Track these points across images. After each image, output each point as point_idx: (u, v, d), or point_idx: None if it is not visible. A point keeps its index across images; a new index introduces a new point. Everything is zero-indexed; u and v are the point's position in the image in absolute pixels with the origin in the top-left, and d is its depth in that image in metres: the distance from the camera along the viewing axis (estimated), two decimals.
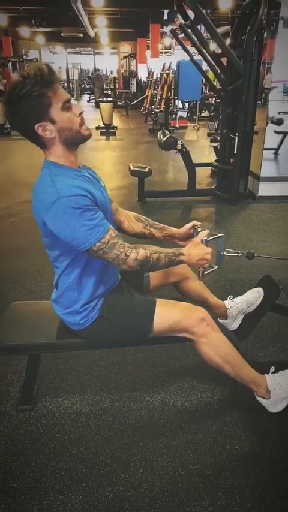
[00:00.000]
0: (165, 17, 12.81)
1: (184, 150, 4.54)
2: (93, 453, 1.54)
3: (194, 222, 1.64)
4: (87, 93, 21.20)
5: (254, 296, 1.90)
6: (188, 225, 1.65)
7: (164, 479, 1.44)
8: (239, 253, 1.67)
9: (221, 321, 1.91)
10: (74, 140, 1.34)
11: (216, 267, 1.57)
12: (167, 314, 1.52)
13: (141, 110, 12.23)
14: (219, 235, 1.58)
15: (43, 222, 1.30)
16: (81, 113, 1.33)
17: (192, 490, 1.40)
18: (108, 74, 22.85)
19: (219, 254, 1.61)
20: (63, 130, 1.29)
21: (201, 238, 1.49)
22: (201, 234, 1.50)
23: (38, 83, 1.21)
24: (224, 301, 1.92)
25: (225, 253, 1.62)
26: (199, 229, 1.59)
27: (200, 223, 1.63)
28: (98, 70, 21.09)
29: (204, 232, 1.52)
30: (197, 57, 6.19)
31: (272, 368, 1.65)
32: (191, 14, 4.38)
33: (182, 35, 5.22)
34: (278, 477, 1.45)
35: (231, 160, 4.50)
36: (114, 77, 18.27)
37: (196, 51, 4.99)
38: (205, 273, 1.56)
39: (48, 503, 1.36)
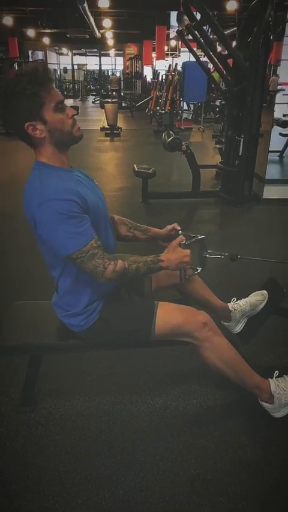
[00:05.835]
0: (172, 20, 12.81)
1: (189, 151, 4.53)
2: (93, 456, 1.52)
3: (175, 225, 1.63)
4: (93, 95, 21.28)
5: (258, 299, 1.88)
6: (169, 227, 1.64)
7: (165, 483, 1.42)
8: (221, 255, 1.63)
9: (224, 323, 1.89)
10: (65, 141, 1.33)
11: (199, 269, 1.55)
12: (168, 318, 1.50)
13: (146, 111, 12.23)
14: (200, 237, 1.56)
15: (34, 225, 1.29)
16: (73, 115, 1.32)
17: (193, 495, 1.38)
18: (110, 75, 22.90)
19: (201, 256, 1.59)
20: (54, 131, 1.28)
21: (179, 242, 1.45)
22: (178, 238, 1.46)
23: (31, 82, 1.20)
24: (228, 304, 1.90)
25: (207, 256, 1.60)
26: (180, 233, 1.57)
27: (179, 227, 1.61)
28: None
29: (181, 236, 1.48)
30: (203, 59, 6.19)
31: (276, 372, 1.63)
32: (197, 16, 4.38)
33: (189, 36, 5.20)
34: (281, 483, 1.43)
35: (236, 162, 4.48)
36: (119, 78, 18.30)
37: (202, 53, 4.98)
38: (187, 276, 1.55)
39: (47, 506, 1.34)
